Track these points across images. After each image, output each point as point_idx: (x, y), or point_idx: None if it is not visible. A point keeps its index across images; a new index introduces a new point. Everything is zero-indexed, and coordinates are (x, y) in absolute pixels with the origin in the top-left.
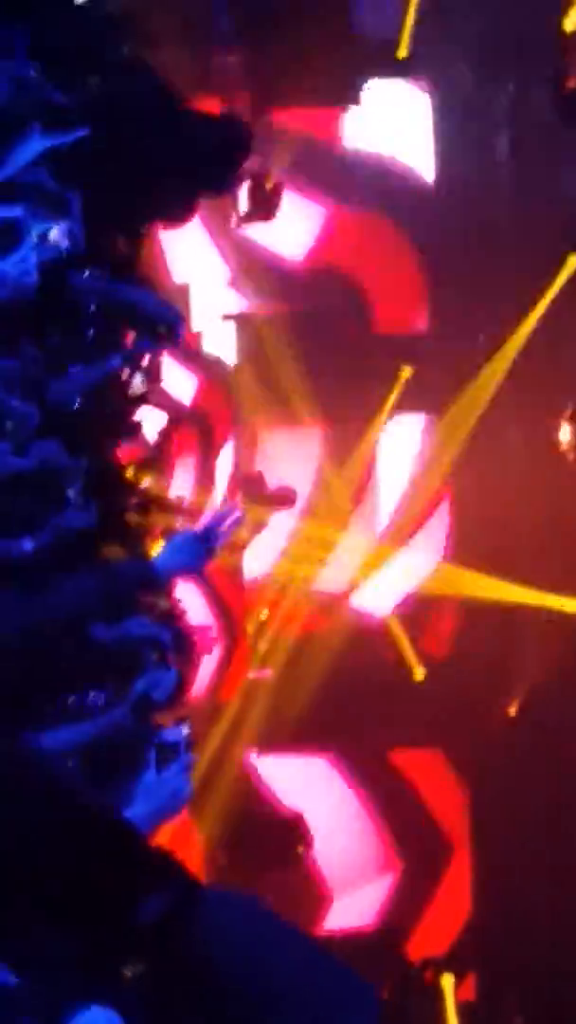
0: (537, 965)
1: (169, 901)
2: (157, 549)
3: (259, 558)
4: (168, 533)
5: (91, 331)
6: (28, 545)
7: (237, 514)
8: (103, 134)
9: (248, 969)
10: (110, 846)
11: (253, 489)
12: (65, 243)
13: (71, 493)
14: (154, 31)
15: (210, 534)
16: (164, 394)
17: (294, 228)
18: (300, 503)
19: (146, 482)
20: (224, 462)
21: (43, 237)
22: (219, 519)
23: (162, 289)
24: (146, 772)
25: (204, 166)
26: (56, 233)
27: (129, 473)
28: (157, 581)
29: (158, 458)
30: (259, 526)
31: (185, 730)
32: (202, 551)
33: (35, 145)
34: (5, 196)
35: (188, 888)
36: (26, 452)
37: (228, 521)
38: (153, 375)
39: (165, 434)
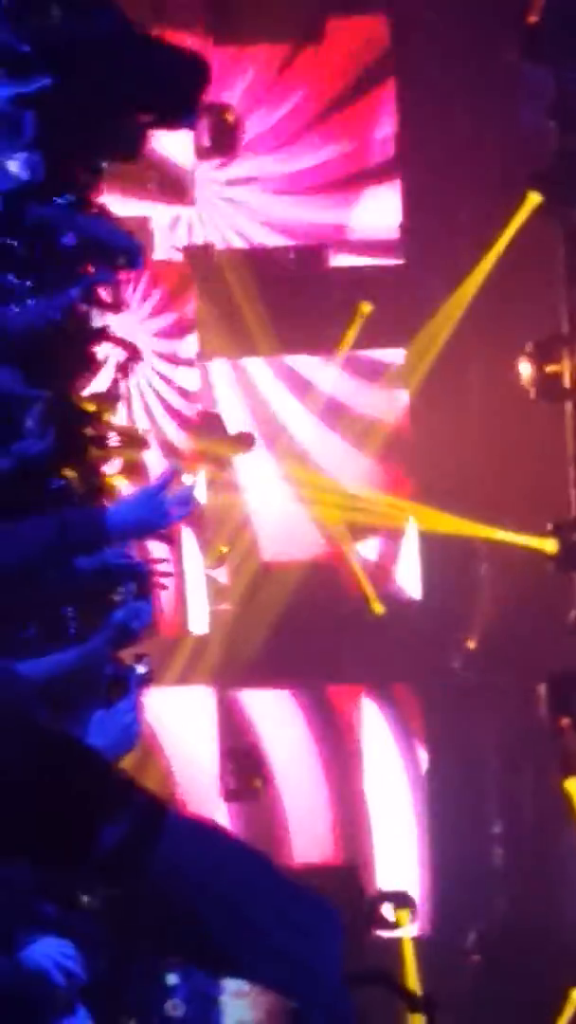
0: (495, 902)
1: (131, 826)
2: (119, 485)
3: (219, 494)
4: (131, 467)
5: (50, 261)
6: None
7: (190, 485)
8: (61, 66)
9: (212, 894)
10: (70, 771)
11: (213, 431)
12: (25, 174)
13: (29, 421)
14: None
15: (164, 492)
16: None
17: (253, 166)
18: (259, 439)
19: (107, 415)
20: (183, 395)
21: (2, 167)
22: (168, 476)
23: (122, 221)
24: (98, 707)
25: (162, 99)
26: (15, 164)
27: (89, 405)
28: (110, 536)
29: (117, 391)
30: (220, 463)
31: (144, 667)
32: (161, 507)
33: None
34: None
35: (150, 813)
36: None
37: (184, 489)
38: (115, 307)
39: (124, 367)
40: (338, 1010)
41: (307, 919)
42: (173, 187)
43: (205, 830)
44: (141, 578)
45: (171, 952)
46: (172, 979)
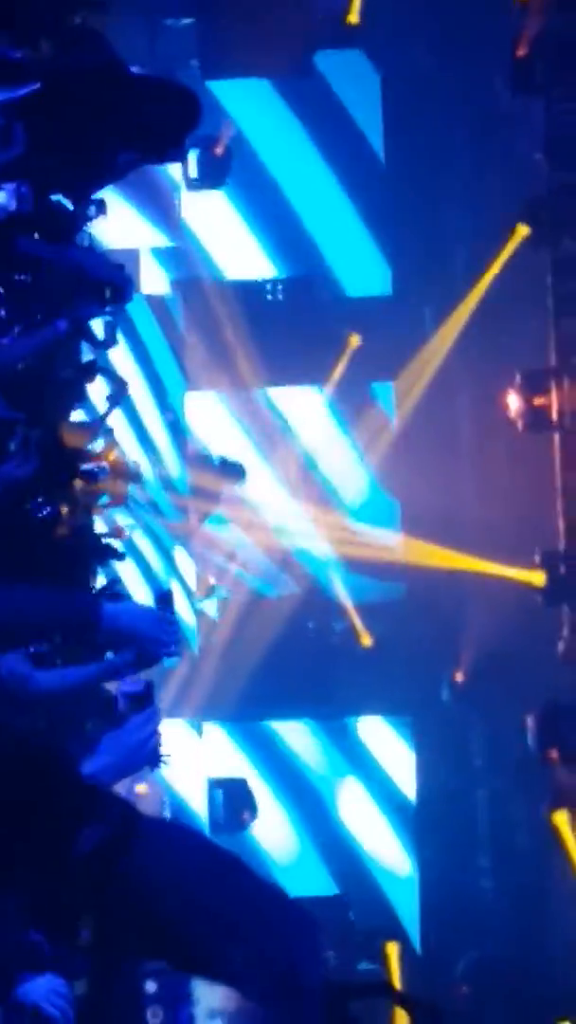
0: (484, 936)
1: (107, 831)
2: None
3: (209, 526)
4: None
5: (38, 293)
6: None
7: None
8: (51, 97)
9: (189, 898)
10: (45, 777)
11: (203, 463)
12: (12, 204)
13: (12, 445)
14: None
15: (170, 625)
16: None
17: (244, 197)
18: (248, 471)
19: (94, 447)
20: (171, 428)
21: None
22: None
23: (111, 254)
24: (113, 723)
25: (152, 133)
26: (3, 195)
27: (77, 437)
28: (97, 625)
29: (105, 424)
30: (211, 497)
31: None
32: (162, 631)
33: None
34: None
35: (126, 818)
36: None
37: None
38: (104, 341)
39: (114, 399)
40: (313, 1014)
41: (283, 921)
42: (163, 218)
43: (180, 833)
44: (166, 600)
45: (149, 955)
46: (150, 986)
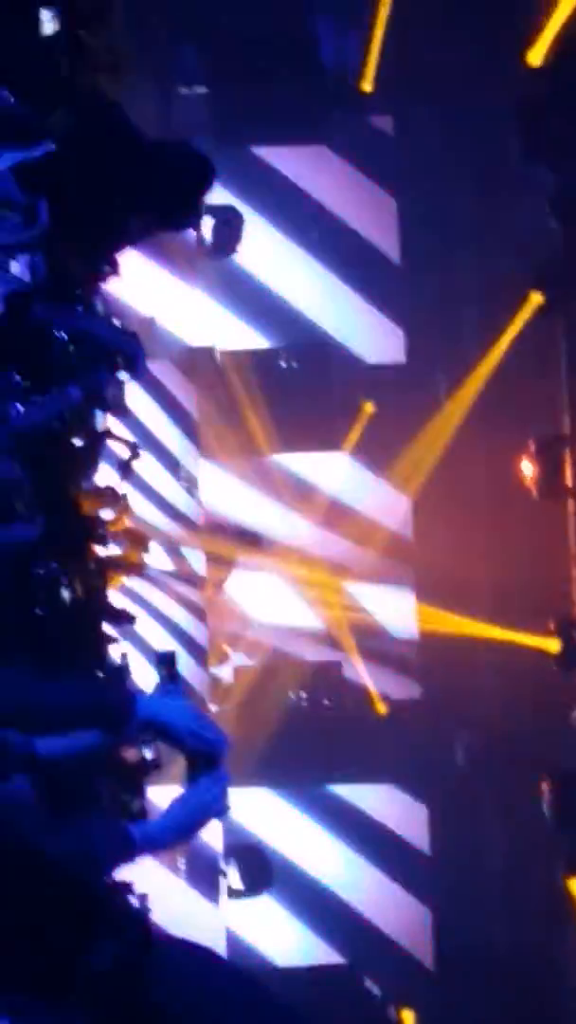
0: (500, 1005)
1: (122, 948)
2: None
3: (225, 594)
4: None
5: (50, 361)
6: None
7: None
8: (65, 164)
9: (198, 1017)
10: (63, 893)
11: (222, 532)
12: (27, 275)
13: (19, 506)
14: (119, 66)
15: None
16: (127, 427)
17: (259, 264)
18: (264, 539)
19: (107, 514)
20: (186, 494)
21: (4, 267)
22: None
23: (125, 321)
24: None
25: (166, 200)
26: (17, 267)
27: (90, 503)
28: (132, 720)
29: (117, 492)
30: (229, 565)
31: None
32: (201, 726)
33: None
34: None
35: (141, 935)
36: None
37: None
38: (116, 409)
39: (126, 467)
40: None
41: None
42: (177, 285)
43: (192, 952)
44: (168, 664)
45: None
46: None
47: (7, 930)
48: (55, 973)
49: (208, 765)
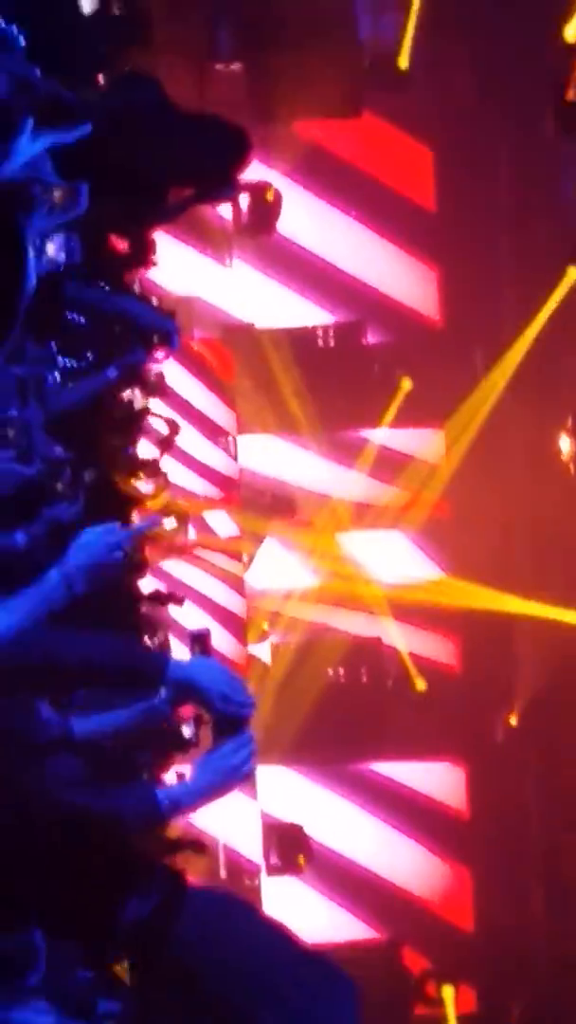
0: (539, 979)
1: (154, 901)
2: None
3: (261, 569)
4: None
5: (87, 341)
6: (21, 538)
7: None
8: (101, 141)
9: (232, 965)
10: (96, 846)
11: (254, 500)
12: (62, 256)
13: (60, 485)
14: (156, 42)
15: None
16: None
17: (298, 238)
18: (300, 514)
19: (146, 489)
20: (226, 471)
21: (40, 248)
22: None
23: (163, 300)
24: (208, 748)
25: (202, 175)
26: (53, 246)
27: (129, 482)
28: (163, 677)
29: (157, 469)
30: (261, 538)
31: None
32: (232, 688)
33: (37, 141)
34: (11, 192)
35: (173, 887)
36: (30, 460)
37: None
38: (155, 388)
39: (166, 444)
40: None
41: (323, 985)
42: (215, 264)
43: (223, 900)
44: (202, 641)
45: (192, 1017)
46: None
47: (51, 885)
48: (91, 924)
49: (234, 728)
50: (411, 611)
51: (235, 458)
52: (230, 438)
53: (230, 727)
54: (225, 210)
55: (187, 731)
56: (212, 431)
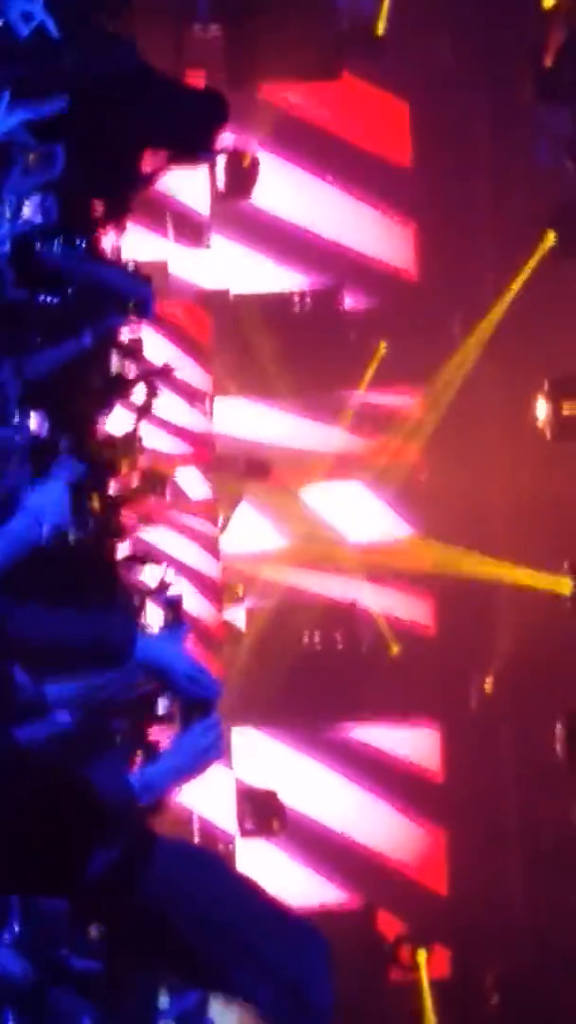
0: (514, 943)
1: (122, 852)
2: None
3: (235, 533)
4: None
5: (62, 307)
6: None
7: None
8: (79, 105)
9: (204, 920)
10: (60, 799)
11: (229, 463)
12: (38, 217)
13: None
14: (134, 4)
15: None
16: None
17: (273, 205)
18: (275, 477)
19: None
20: (201, 432)
21: (16, 210)
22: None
23: (139, 266)
24: (176, 729)
25: (180, 137)
26: (29, 208)
27: (106, 448)
28: (131, 656)
29: (133, 434)
30: (236, 501)
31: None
32: (196, 671)
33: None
34: None
35: (140, 841)
36: (7, 422)
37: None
38: (132, 353)
39: (143, 409)
40: None
41: (294, 939)
42: (190, 230)
43: (193, 854)
44: (174, 607)
45: (164, 970)
46: (163, 1001)
47: (17, 840)
48: (57, 878)
49: (202, 711)
50: (386, 574)
51: (210, 418)
52: (206, 400)
53: (198, 709)
54: (202, 176)
55: (163, 704)
56: (188, 393)
